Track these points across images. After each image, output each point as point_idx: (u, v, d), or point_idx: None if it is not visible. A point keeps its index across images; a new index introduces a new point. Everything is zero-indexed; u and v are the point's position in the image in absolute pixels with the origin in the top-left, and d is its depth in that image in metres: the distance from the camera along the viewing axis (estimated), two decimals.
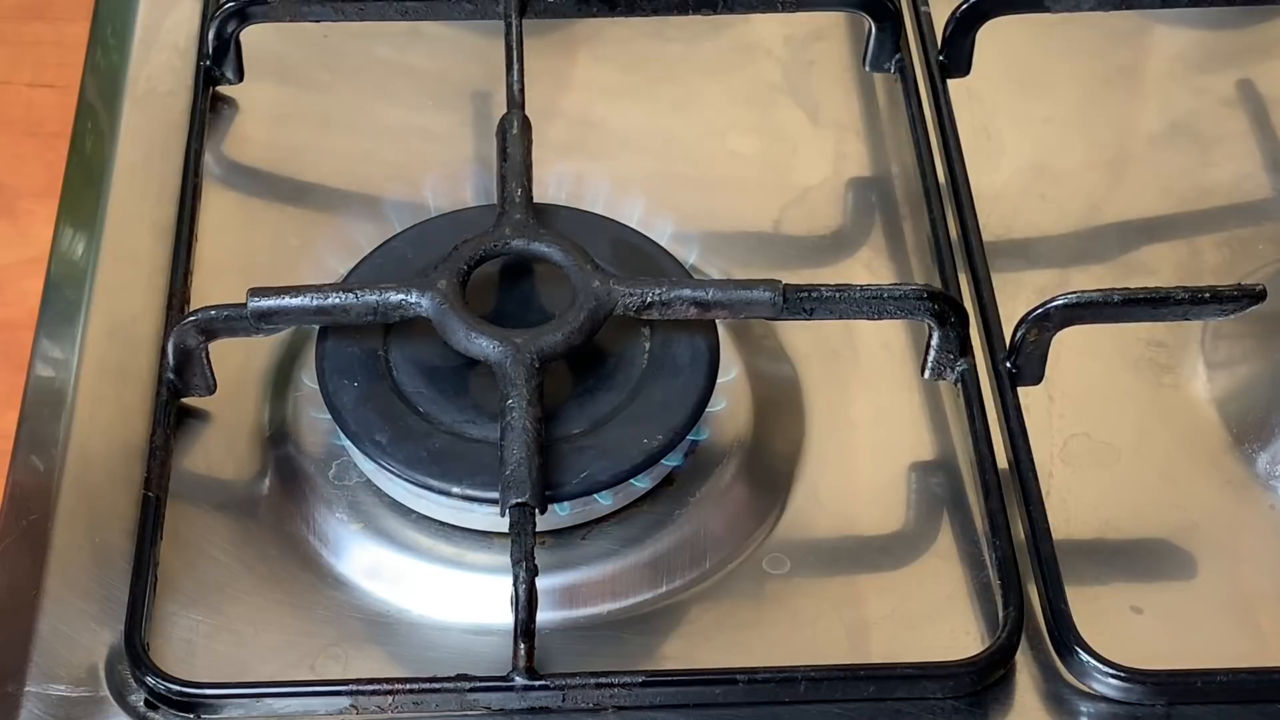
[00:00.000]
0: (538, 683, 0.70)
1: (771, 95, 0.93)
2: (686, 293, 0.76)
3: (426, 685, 0.70)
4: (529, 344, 0.74)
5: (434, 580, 0.75)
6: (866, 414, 0.81)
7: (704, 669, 0.71)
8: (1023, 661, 0.73)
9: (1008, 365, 0.78)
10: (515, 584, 0.70)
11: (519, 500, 0.71)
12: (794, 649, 0.73)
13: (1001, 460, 0.77)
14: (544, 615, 0.71)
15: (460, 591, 0.74)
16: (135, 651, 0.70)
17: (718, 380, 0.77)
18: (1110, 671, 0.71)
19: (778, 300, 0.75)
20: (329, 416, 0.76)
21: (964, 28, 0.90)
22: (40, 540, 0.75)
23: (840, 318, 0.77)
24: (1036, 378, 0.79)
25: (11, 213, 0.92)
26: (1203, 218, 0.88)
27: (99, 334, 0.82)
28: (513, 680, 0.70)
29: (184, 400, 0.78)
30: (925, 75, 0.90)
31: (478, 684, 0.70)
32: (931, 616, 0.74)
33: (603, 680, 0.70)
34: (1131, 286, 0.78)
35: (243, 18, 0.89)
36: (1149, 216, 0.88)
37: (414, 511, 0.76)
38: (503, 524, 0.71)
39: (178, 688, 0.70)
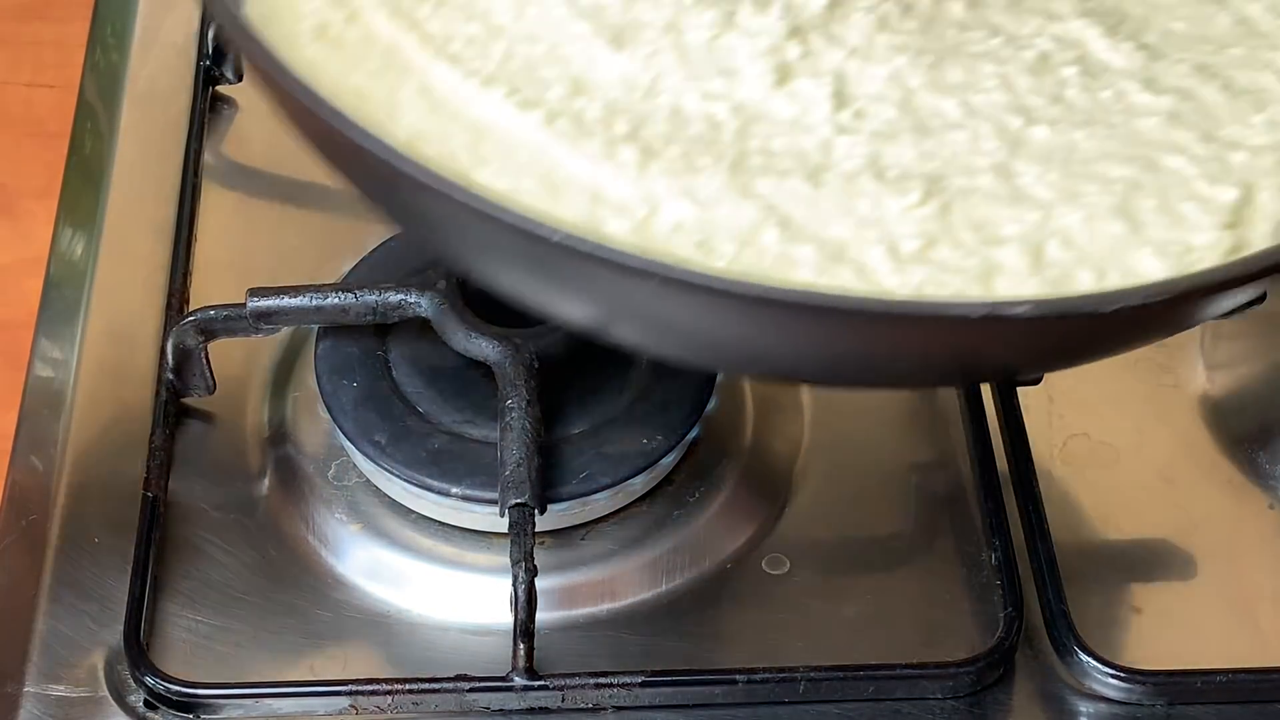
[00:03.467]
0: (537, 683, 0.70)
1: None
2: None
3: (426, 685, 0.70)
4: (529, 344, 0.74)
5: (434, 580, 0.74)
6: (866, 414, 0.80)
7: (704, 669, 0.71)
8: (1023, 661, 0.73)
9: None
10: (515, 584, 0.70)
11: (518, 501, 0.71)
12: (794, 649, 0.73)
13: (1001, 460, 0.77)
14: (543, 615, 0.71)
15: (460, 591, 0.74)
16: (135, 651, 0.70)
17: (717, 380, 0.77)
18: (1110, 671, 0.71)
19: None
20: (329, 416, 0.76)
21: None
22: (40, 540, 0.75)
23: None
24: (1036, 378, 0.78)
25: (11, 213, 0.92)
26: None
27: (99, 334, 0.82)
28: (512, 680, 0.70)
29: (184, 400, 0.78)
30: None
31: (477, 684, 0.70)
32: (931, 616, 0.74)
33: (602, 680, 0.70)
34: None
35: None
36: None
37: (414, 512, 0.75)
38: (502, 524, 0.71)
39: (177, 688, 0.70)
